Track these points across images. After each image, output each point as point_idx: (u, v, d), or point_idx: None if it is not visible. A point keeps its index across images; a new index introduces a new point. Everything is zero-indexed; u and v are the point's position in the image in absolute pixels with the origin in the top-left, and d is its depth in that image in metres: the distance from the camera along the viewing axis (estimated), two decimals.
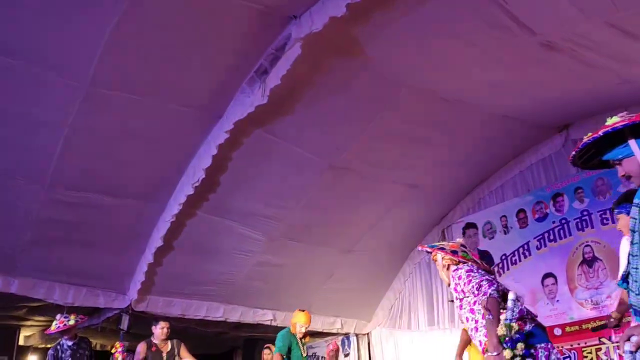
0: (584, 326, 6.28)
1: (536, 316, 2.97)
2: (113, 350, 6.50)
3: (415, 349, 8.63)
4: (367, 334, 9.51)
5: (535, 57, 5.14)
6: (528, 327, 2.69)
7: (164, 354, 5.74)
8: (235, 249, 7.32)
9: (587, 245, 6.56)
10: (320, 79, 5.35)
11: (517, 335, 2.48)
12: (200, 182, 6.05)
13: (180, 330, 7.91)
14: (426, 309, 8.63)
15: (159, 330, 5.85)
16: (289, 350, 5.56)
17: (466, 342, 5.69)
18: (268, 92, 5.15)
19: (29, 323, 8.24)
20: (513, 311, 2.57)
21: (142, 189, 6.21)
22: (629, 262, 2.06)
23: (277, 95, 5.15)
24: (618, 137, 2.13)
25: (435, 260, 3.18)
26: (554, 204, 7.01)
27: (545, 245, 6.97)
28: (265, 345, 7.21)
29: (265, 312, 8.27)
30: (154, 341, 5.83)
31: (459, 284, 2.85)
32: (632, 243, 2.06)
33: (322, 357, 10.16)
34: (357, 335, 9.45)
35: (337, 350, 7.04)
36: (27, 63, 4.60)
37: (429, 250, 3.23)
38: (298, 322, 5.71)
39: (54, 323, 5.95)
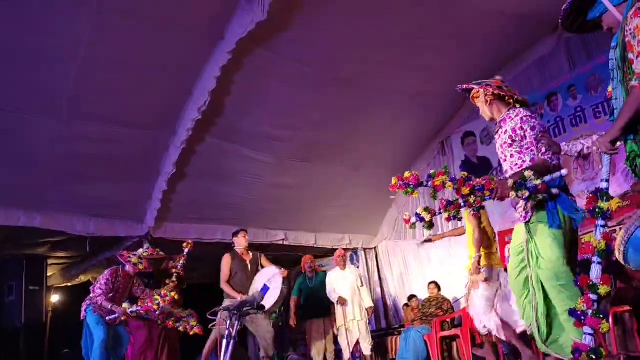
0: None
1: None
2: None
3: (421, 256, 9.10)
4: (374, 247, 9.97)
5: None
6: (555, 191, 2.83)
7: (248, 263, 5.79)
8: (246, 173, 7.59)
9: None
10: None
11: (531, 186, 2.66)
12: (207, 105, 6.22)
13: (198, 256, 8.19)
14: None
15: (242, 239, 5.86)
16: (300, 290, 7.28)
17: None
18: (267, 7, 5.26)
19: (51, 261, 8.55)
20: (552, 179, 2.77)
21: (153, 117, 6.37)
22: (615, 98, 2.37)
23: (276, 10, 5.26)
24: None
25: (477, 97, 3.19)
26: (548, 103, 7.25)
27: None
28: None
29: (277, 233, 8.66)
30: (237, 251, 5.88)
31: (517, 122, 2.98)
32: (611, 79, 2.43)
33: None
34: (364, 249, 9.91)
35: (343, 256, 7.42)
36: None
37: (474, 87, 3.21)
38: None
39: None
